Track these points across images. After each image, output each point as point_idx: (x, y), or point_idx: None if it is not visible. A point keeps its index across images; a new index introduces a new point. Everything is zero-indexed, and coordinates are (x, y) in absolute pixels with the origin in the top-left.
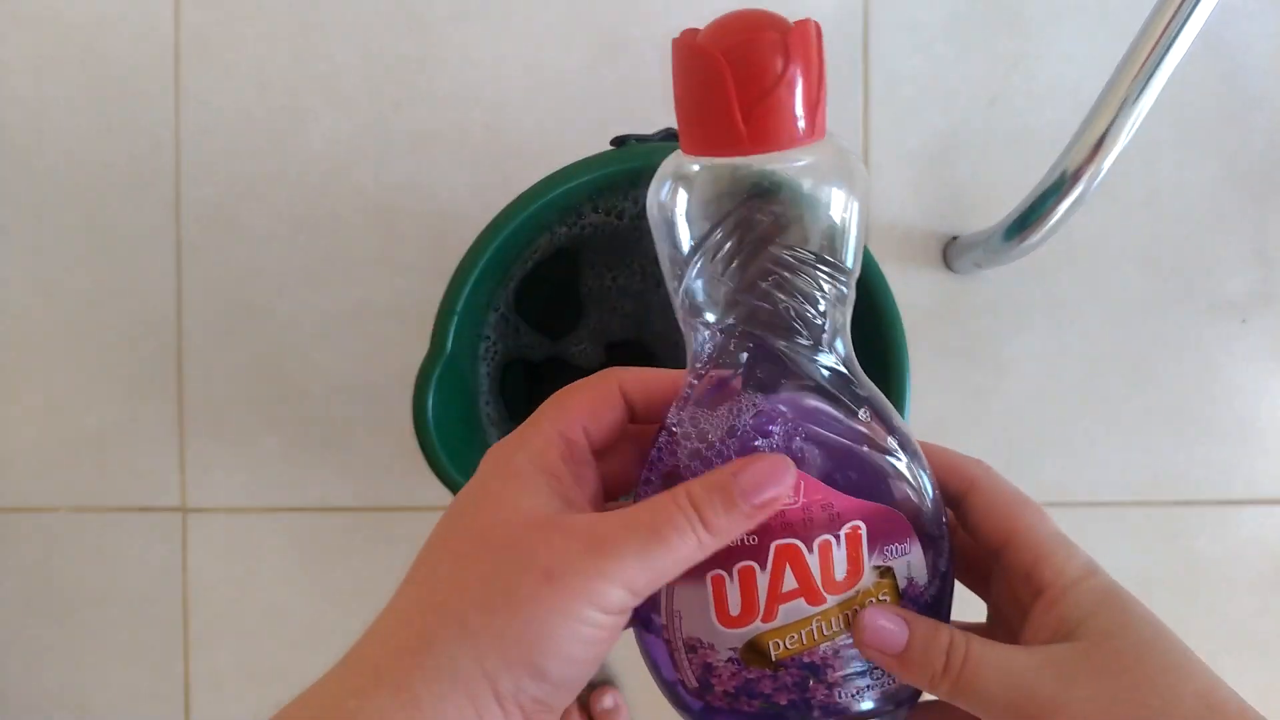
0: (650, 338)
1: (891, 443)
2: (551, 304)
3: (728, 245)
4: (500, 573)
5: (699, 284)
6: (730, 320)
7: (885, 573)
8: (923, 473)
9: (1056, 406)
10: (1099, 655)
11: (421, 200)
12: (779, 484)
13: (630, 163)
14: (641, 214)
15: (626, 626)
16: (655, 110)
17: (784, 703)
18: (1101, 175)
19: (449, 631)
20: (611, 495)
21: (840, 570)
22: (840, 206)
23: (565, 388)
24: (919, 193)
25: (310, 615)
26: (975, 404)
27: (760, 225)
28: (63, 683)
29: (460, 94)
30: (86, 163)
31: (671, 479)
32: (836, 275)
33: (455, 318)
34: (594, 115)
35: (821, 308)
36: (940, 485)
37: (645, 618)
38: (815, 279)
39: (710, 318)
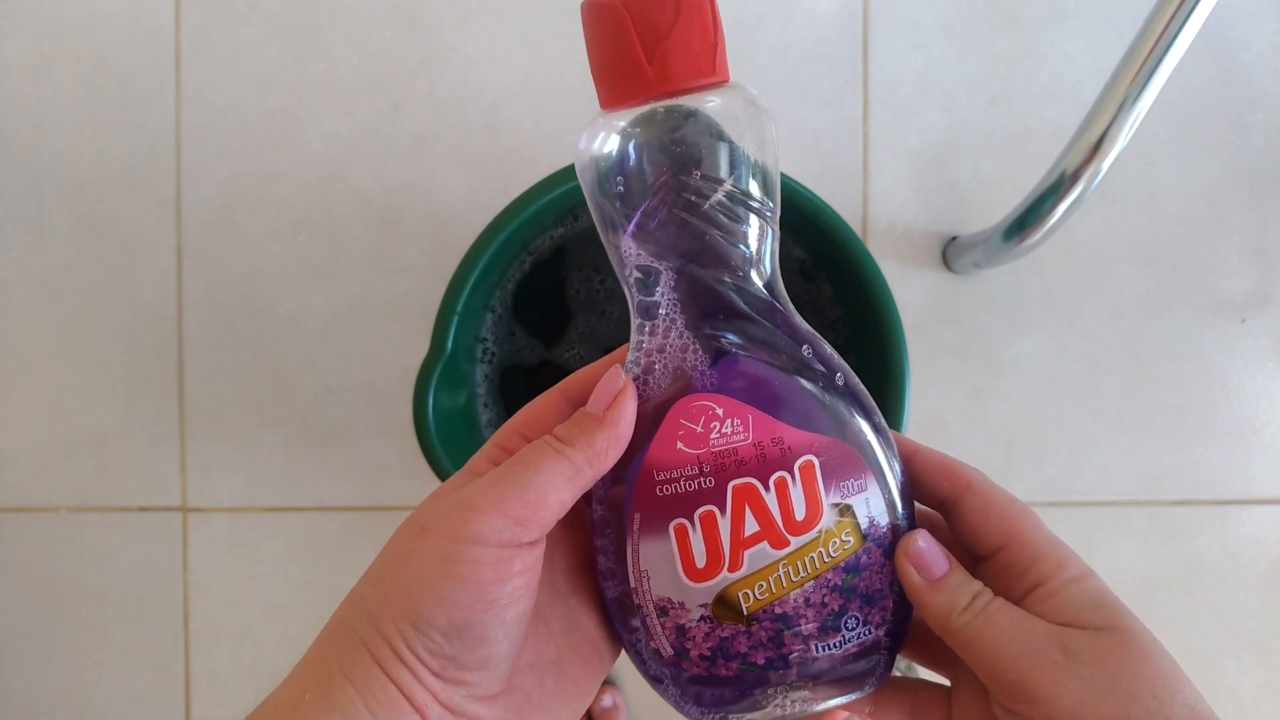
0: None
1: (838, 379)
2: (546, 307)
3: (653, 190)
4: (389, 547)
5: (631, 232)
6: (665, 263)
7: (845, 511)
8: (870, 413)
9: (1056, 406)
10: (1105, 644)
11: (421, 200)
12: (612, 383)
13: None
14: None
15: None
16: None
17: (761, 661)
18: (1101, 175)
19: (350, 610)
20: None
21: (800, 509)
22: (752, 141)
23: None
24: (919, 193)
25: (310, 615)
26: (975, 404)
27: (680, 167)
28: (63, 682)
29: (460, 94)
30: (86, 162)
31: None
32: (761, 209)
33: (456, 318)
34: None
35: (749, 240)
36: (936, 488)
37: (619, 603)
38: (737, 212)
39: (646, 264)
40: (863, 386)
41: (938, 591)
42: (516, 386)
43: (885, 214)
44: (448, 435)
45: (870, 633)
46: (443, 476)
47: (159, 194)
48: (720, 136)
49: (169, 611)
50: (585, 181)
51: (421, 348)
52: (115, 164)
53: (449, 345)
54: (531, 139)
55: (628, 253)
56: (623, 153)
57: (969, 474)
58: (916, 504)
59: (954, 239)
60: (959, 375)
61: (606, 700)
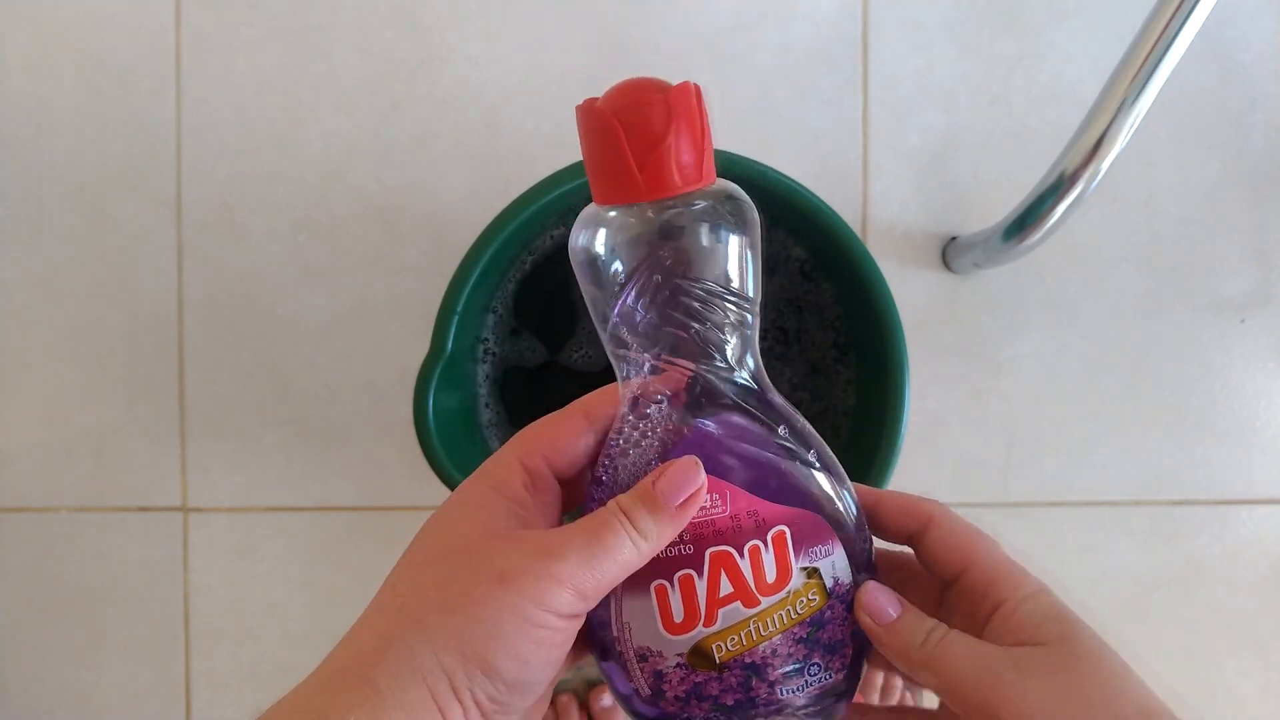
0: None
1: (810, 455)
2: (548, 308)
3: (641, 282)
4: (457, 577)
5: (620, 318)
6: (652, 350)
7: (812, 573)
8: (840, 482)
9: (1056, 406)
10: (1056, 656)
11: (421, 200)
12: (693, 482)
13: None
14: None
15: (585, 652)
16: None
17: (730, 703)
18: (1100, 175)
19: (409, 631)
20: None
21: (770, 572)
22: (734, 242)
23: (536, 421)
24: (918, 193)
25: (310, 615)
26: (975, 404)
27: (667, 262)
28: (63, 682)
29: (460, 94)
30: (86, 162)
31: (613, 495)
32: (740, 302)
33: (456, 318)
34: None
35: (729, 333)
36: (901, 526)
37: (601, 644)
38: (721, 307)
39: (634, 349)
40: (834, 457)
41: (894, 634)
42: (517, 387)
43: (885, 214)
44: (448, 435)
45: (831, 676)
46: (443, 476)
47: (159, 194)
48: (704, 237)
49: (169, 611)
50: (577, 266)
51: (421, 348)
52: (115, 164)
53: (449, 345)
54: (531, 139)
55: (614, 335)
56: (611, 247)
57: (929, 508)
58: (891, 544)
59: (954, 239)
60: (959, 375)
61: (606, 700)
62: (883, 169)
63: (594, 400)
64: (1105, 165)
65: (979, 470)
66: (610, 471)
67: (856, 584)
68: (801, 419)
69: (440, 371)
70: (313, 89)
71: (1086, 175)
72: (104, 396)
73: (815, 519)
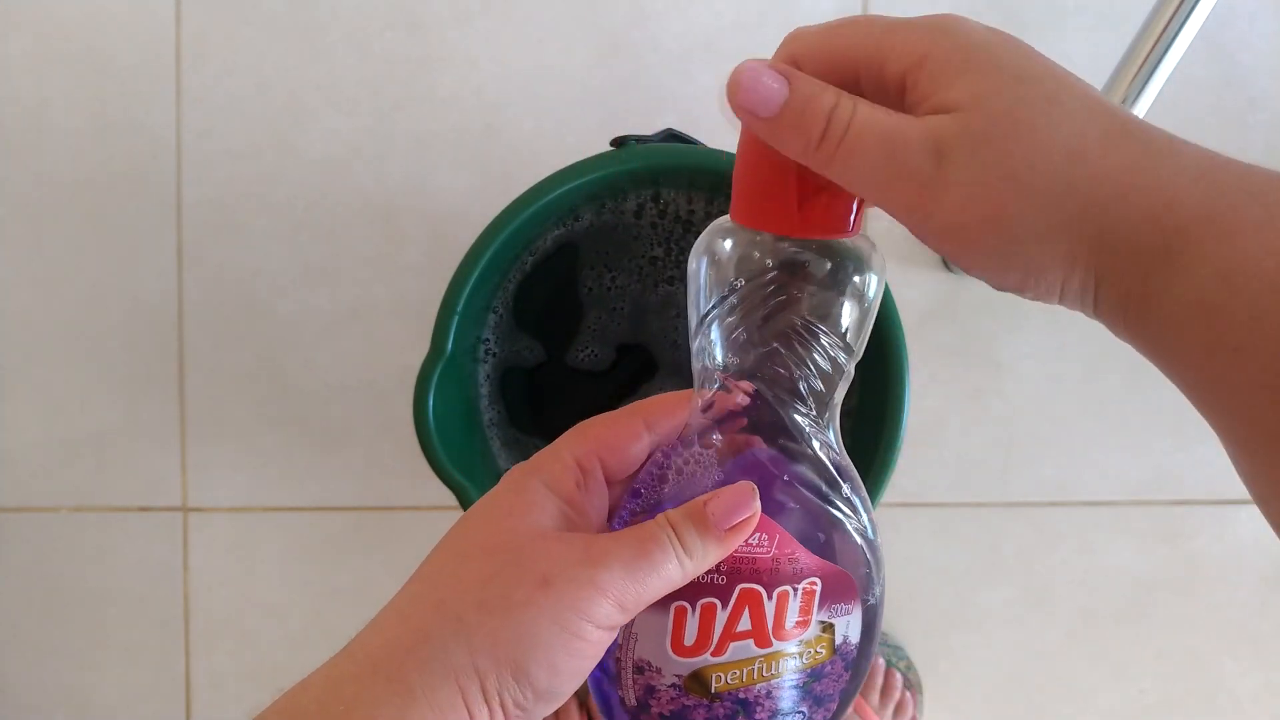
0: (649, 337)
1: (864, 519)
2: (549, 307)
3: (759, 306)
4: (500, 576)
5: (721, 334)
6: (742, 374)
7: (828, 628)
8: (876, 553)
9: (1056, 406)
10: (971, 126)
11: (421, 200)
12: (746, 508)
13: (630, 164)
14: (640, 213)
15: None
16: (655, 111)
17: None
18: None
19: (446, 627)
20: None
21: (791, 620)
22: (864, 296)
23: (592, 418)
24: None
25: (310, 615)
26: (975, 404)
27: (791, 296)
28: (63, 682)
29: (460, 94)
30: (86, 162)
31: (654, 508)
32: (842, 357)
33: (456, 318)
34: (594, 115)
35: (822, 382)
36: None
37: None
38: (830, 356)
39: (724, 368)
40: (877, 531)
41: (784, 124)
42: (518, 387)
43: (885, 214)
44: (448, 435)
45: None
46: (443, 476)
47: (159, 194)
48: (833, 286)
49: (169, 611)
50: (697, 271)
51: (421, 348)
52: (115, 164)
53: (449, 345)
54: (531, 139)
55: (709, 348)
56: (744, 270)
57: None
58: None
59: None
60: (959, 375)
61: None
62: None
63: (655, 406)
64: None
65: (979, 470)
66: (655, 484)
67: (861, 647)
68: (861, 485)
69: (440, 371)
70: (313, 89)
71: None
72: (104, 396)
73: (846, 578)
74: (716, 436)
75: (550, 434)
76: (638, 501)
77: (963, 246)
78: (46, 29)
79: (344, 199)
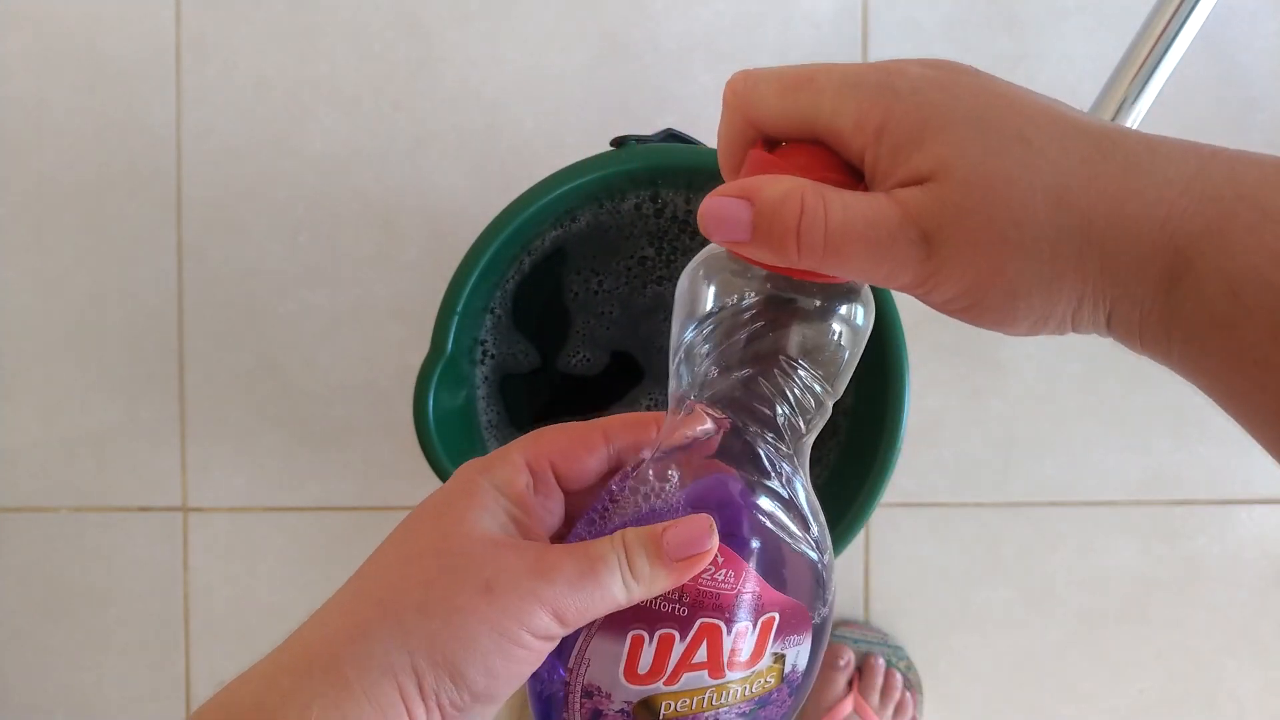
0: (635, 344)
1: (826, 559)
2: (545, 310)
3: (741, 335)
4: (442, 579)
5: (701, 358)
6: (719, 404)
7: (779, 658)
8: (830, 586)
9: (1056, 406)
10: (950, 194)
11: (421, 200)
12: (703, 544)
13: (630, 164)
14: (637, 212)
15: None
16: (655, 111)
17: None
18: None
19: (385, 627)
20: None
21: (747, 652)
22: (854, 341)
23: (552, 425)
24: None
25: (309, 615)
26: (975, 404)
27: (775, 330)
28: (63, 682)
29: (460, 94)
30: (86, 162)
31: (614, 527)
32: (821, 398)
33: (456, 318)
34: (594, 116)
35: (799, 419)
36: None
37: (549, 661)
38: (809, 393)
39: (701, 393)
40: (832, 559)
41: (760, 247)
42: (517, 387)
43: None
44: (448, 435)
45: None
46: (443, 476)
47: (159, 194)
48: (822, 328)
49: (169, 611)
50: (685, 288)
51: (421, 348)
52: (115, 164)
53: (449, 345)
54: (531, 139)
55: (688, 376)
56: (730, 298)
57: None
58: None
59: None
60: (959, 375)
61: None
62: None
63: (617, 424)
64: None
65: (979, 470)
66: (619, 501)
67: (807, 673)
68: (824, 523)
69: (440, 371)
70: (313, 89)
71: None
72: (104, 396)
73: (802, 611)
74: (686, 463)
75: None
76: (598, 515)
77: (971, 313)
78: (46, 29)
79: (344, 199)
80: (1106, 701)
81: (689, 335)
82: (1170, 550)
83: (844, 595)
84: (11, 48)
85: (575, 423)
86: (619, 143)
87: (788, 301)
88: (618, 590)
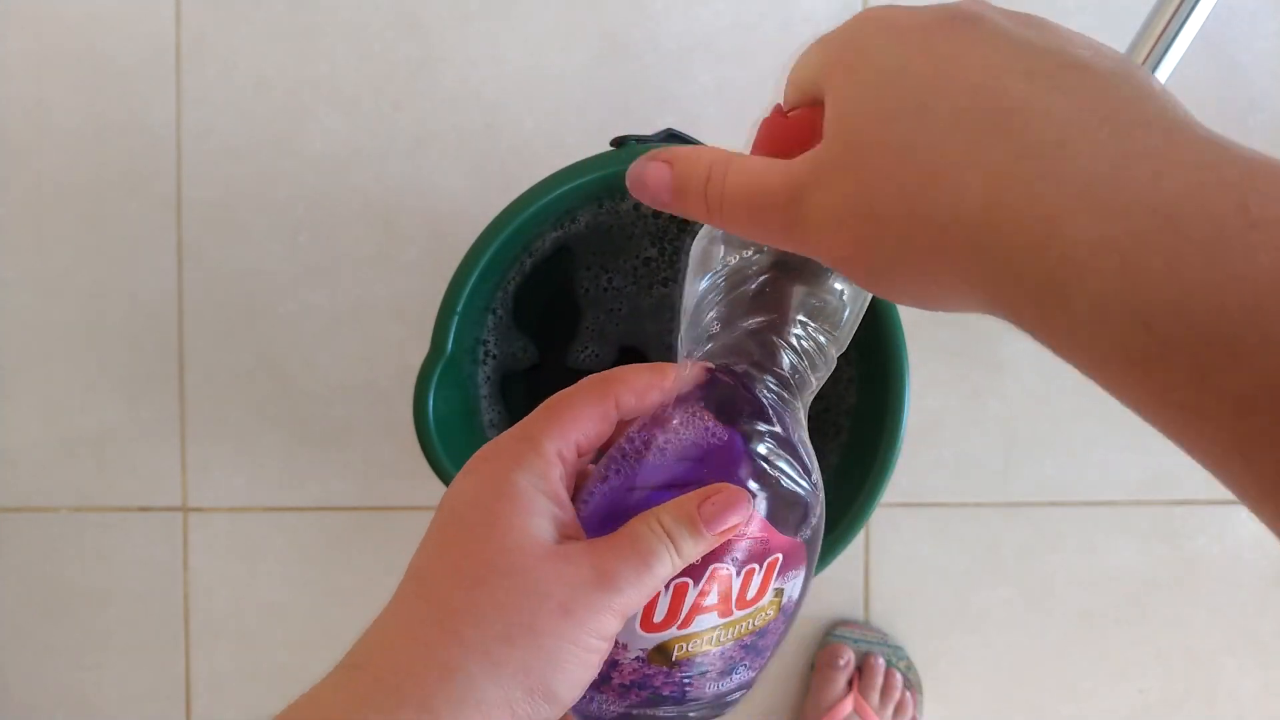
0: (644, 340)
1: (821, 496)
2: (548, 308)
3: (749, 286)
4: (517, 604)
5: (711, 309)
6: (728, 357)
7: (779, 592)
8: (823, 521)
9: (1056, 406)
10: (829, 152)
11: (421, 200)
12: (737, 514)
13: (630, 164)
14: (637, 212)
15: None
16: (655, 111)
17: (666, 693)
18: None
19: (475, 664)
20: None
21: (753, 592)
22: (856, 295)
23: (561, 396)
24: None
25: (310, 615)
26: (975, 404)
27: (782, 280)
28: (63, 682)
29: (460, 94)
30: (86, 162)
31: (630, 490)
32: (829, 350)
33: (456, 318)
34: (594, 115)
35: (809, 372)
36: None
37: None
38: (817, 345)
39: (710, 344)
40: (823, 504)
41: (680, 203)
42: (517, 387)
43: None
44: (448, 435)
45: (750, 674)
46: (443, 476)
47: (159, 194)
48: (827, 290)
49: (169, 611)
50: (695, 252)
51: (421, 348)
52: (115, 164)
53: (449, 345)
54: (531, 139)
55: (698, 328)
56: (739, 251)
57: None
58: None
59: None
60: (959, 375)
61: None
62: None
63: (628, 390)
64: None
65: (979, 470)
66: (633, 461)
67: (800, 599)
68: (817, 467)
69: (440, 371)
70: (313, 89)
71: None
72: (104, 396)
73: (801, 548)
74: (696, 416)
75: None
76: (615, 474)
77: (849, 279)
78: (46, 29)
79: (344, 199)
80: (1106, 701)
81: (701, 287)
82: (1170, 550)
83: (844, 595)
84: (11, 48)
85: (586, 392)
86: (619, 143)
87: (790, 260)
88: (668, 572)
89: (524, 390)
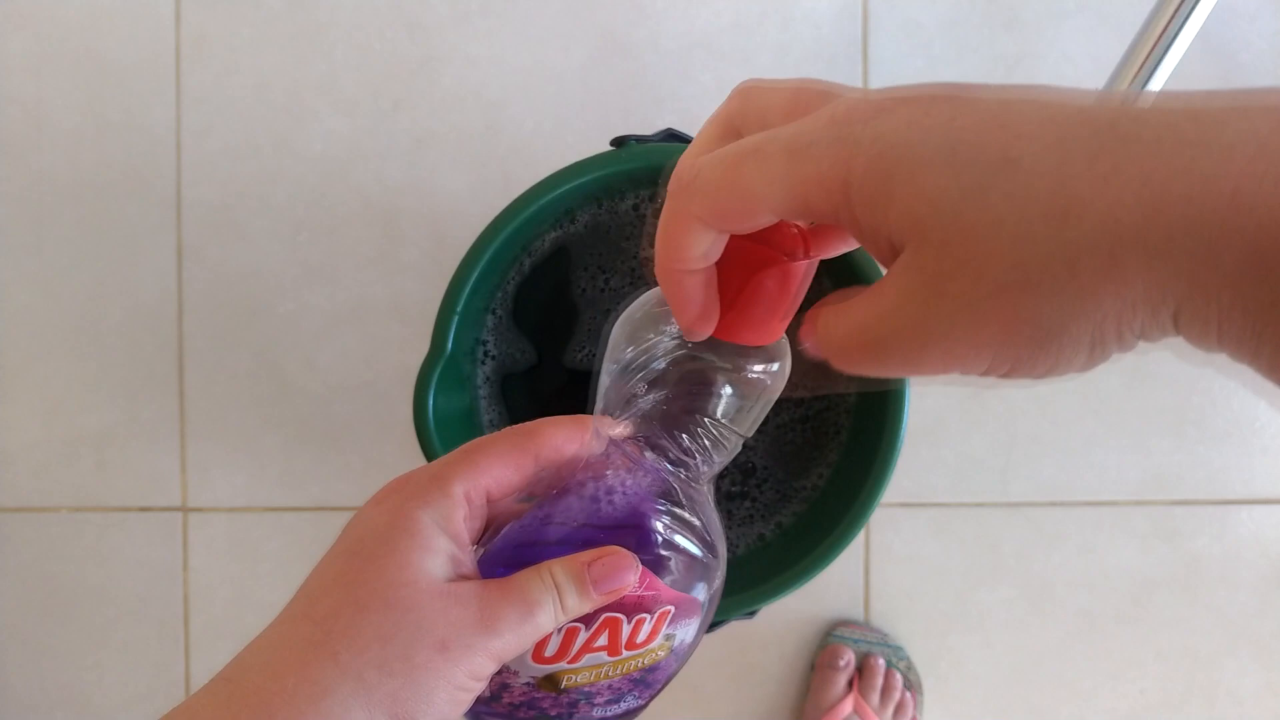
0: None
1: (719, 556)
2: (548, 308)
3: (667, 371)
4: (398, 635)
5: (626, 380)
6: (643, 426)
7: (670, 637)
8: (722, 574)
9: (1056, 406)
10: (928, 261)
11: (421, 200)
12: (624, 579)
13: (630, 164)
14: (636, 212)
15: None
16: (655, 111)
17: (553, 714)
18: None
19: (347, 685)
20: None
21: (643, 637)
22: (766, 393)
23: (480, 441)
24: None
25: None
26: (975, 404)
27: (698, 373)
28: (63, 682)
29: (460, 94)
30: (86, 162)
31: (532, 540)
32: (732, 437)
33: (456, 318)
34: (594, 115)
35: (713, 450)
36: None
37: None
38: (719, 434)
39: (629, 412)
40: (724, 550)
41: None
42: (517, 387)
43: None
44: (448, 436)
45: (638, 703)
46: None
47: (159, 194)
48: (734, 384)
49: (169, 611)
50: (618, 324)
51: (421, 348)
52: (115, 164)
53: (449, 346)
54: (531, 139)
55: (612, 396)
56: (659, 333)
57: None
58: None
59: None
60: (959, 375)
61: None
62: None
63: (547, 439)
64: None
65: (979, 470)
66: (543, 506)
67: (694, 640)
68: (721, 532)
69: (440, 372)
70: (313, 89)
71: None
72: (104, 396)
73: (695, 602)
74: (604, 479)
75: None
76: (519, 526)
77: (1017, 374)
78: (46, 29)
79: (344, 199)
80: (1106, 701)
81: (627, 354)
82: (1170, 550)
83: (844, 595)
84: (11, 48)
85: (508, 440)
86: (619, 143)
87: (703, 360)
88: (550, 624)
89: (523, 390)
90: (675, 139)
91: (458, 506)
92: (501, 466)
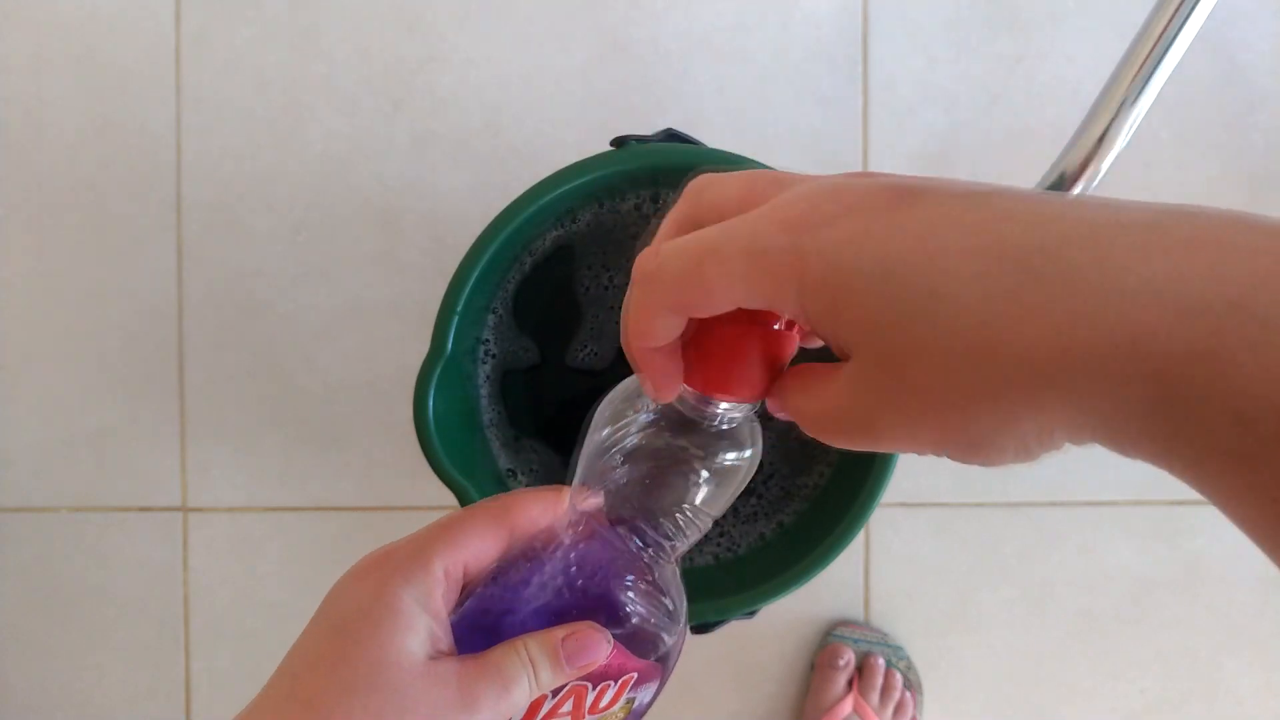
0: None
1: (680, 625)
2: (548, 308)
3: (664, 453)
4: (384, 716)
5: (605, 457)
6: (618, 503)
7: (630, 700)
8: (682, 639)
9: None
10: (869, 372)
11: (421, 200)
12: (596, 655)
13: (630, 164)
14: (638, 213)
15: None
16: (655, 111)
17: None
18: (1101, 175)
19: None
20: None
21: (605, 701)
22: (737, 478)
23: (459, 515)
24: None
25: (310, 615)
26: None
27: (671, 471)
28: (63, 682)
29: (460, 94)
30: (86, 162)
31: (505, 611)
32: (702, 515)
33: (456, 318)
34: (594, 115)
35: (685, 527)
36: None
37: None
38: (700, 518)
39: (605, 487)
40: (685, 614)
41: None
42: (518, 387)
43: None
44: (448, 435)
45: None
46: (443, 476)
47: (159, 194)
48: (708, 475)
49: (169, 611)
50: (598, 417)
51: (421, 348)
52: (115, 164)
53: (449, 345)
54: (531, 139)
55: (590, 472)
56: (638, 440)
57: None
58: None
59: None
60: None
61: None
62: (883, 168)
63: (523, 514)
64: (1105, 165)
65: (979, 470)
66: (514, 591)
67: (651, 703)
68: (684, 599)
69: (440, 371)
70: (313, 89)
71: (1086, 175)
72: (104, 396)
73: (656, 668)
74: (577, 555)
75: (550, 434)
76: (494, 596)
77: (957, 459)
78: (46, 29)
79: (344, 199)
80: (1106, 701)
81: (605, 432)
82: (1170, 550)
83: (844, 595)
84: (11, 48)
85: (485, 515)
86: (619, 143)
87: (675, 444)
88: (525, 700)
89: (524, 390)
90: (675, 139)
91: (438, 584)
92: (480, 541)
